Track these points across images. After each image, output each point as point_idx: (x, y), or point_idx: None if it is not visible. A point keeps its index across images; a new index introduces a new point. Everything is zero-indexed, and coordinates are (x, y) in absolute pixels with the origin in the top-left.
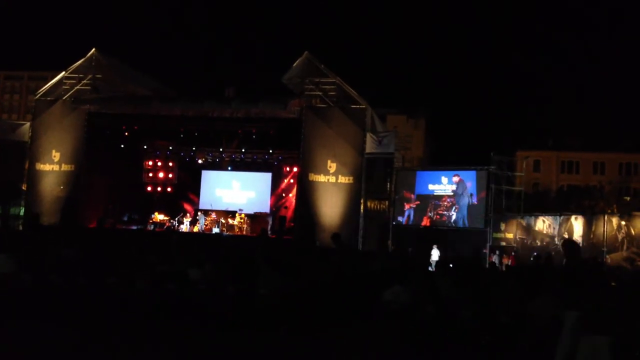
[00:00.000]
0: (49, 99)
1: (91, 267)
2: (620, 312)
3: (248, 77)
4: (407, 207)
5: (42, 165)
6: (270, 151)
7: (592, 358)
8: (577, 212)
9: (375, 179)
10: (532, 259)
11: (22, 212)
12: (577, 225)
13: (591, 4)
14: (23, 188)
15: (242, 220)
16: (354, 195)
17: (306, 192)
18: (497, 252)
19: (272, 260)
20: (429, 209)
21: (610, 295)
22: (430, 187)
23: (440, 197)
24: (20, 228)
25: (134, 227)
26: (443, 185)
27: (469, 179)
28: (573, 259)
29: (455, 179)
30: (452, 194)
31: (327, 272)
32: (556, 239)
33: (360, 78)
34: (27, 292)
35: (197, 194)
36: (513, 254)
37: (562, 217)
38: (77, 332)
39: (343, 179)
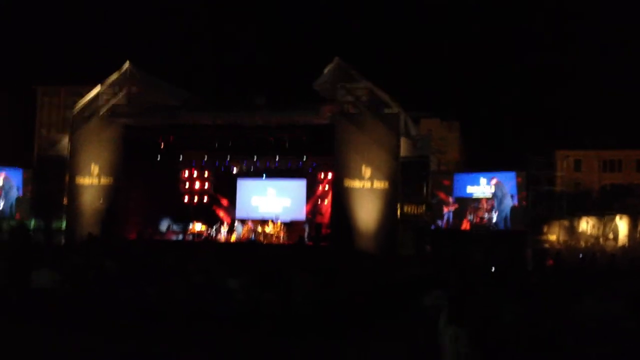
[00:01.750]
0: (85, 114)
1: (131, 278)
2: (477, 306)
3: (279, 84)
4: (445, 210)
5: (81, 179)
6: (304, 158)
7: (453, 347)
8: (621, 211)
9: (411, 183)
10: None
11: (63, 226)
12: (622, 225)
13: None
14: (64, 202)
15: (278, 229)
16: (390, 200)
17: (341, 198)
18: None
19: (308, 267)
20: (468, 212)
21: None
22: (469, 189)
23: (479, 200)
24: (63, 242)
25: (173, 238)
26: (482, 187)
27: (508, 181)
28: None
29: (494, 181)
30: (491, 195)
31: (364, 278)
32: (601, 240)
33: (392, 82)
34: (70, 304)
35: (234, 203)
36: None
37: (606, 217)
38: (118, 343)
39: (378, 184)
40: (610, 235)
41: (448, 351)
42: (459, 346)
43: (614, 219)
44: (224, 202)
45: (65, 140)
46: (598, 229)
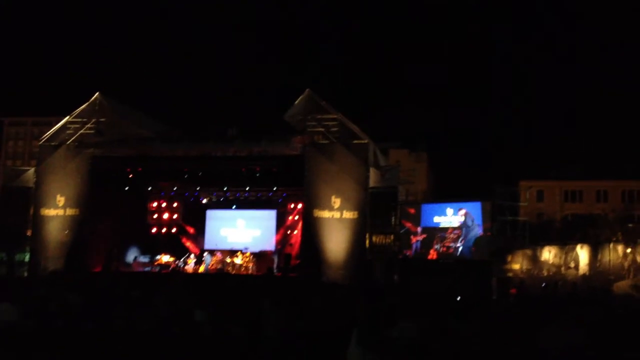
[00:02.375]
0: (53, 144)
1: (96, 311)
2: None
3: (250, 116)
4: (413, 240)
5: (46, 210)
6: (275, 188)
7: None
8: (582, 241)
9: (379, 214)
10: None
11: (27, 259)
12: (583, 254)
13: (585, 32)
14: (28, 234)
15: (247, 259)
16: (359, 230)
17: (311, 228)
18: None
19: (278, 300)
20: (435, 242)
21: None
22: (436, 219)
23: (446, 230)
24: (25, 274)
25: (140, 270)
26: (448, 217)
27: (474, 211)
28: None
29: (462, 212)
30: (457, 225)
31: (334, 310)
32: (562, 269)
33: (361, 113)
34: (30, 339)
35: (203, 234)
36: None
37: (567, 247)
38: None
39: (348, 214)
40: (572, 264)
41: None
42: None
43: (575, 248)
44: (192, 232)
45: (31, 172)
46: (560, 258)
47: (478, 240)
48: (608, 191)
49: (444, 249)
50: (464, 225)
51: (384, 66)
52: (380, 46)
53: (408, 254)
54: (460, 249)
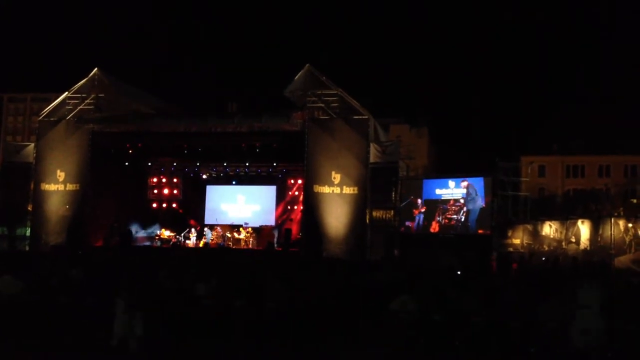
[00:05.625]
0: (52, 119)
1: (97, 286)
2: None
3: (250, 92)
4: (416, 212)
5: (47, 186)
6: (275, 164)
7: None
8: (583, 216)
9: (380, 189)
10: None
11: (27, 233)
12: (584, 229)
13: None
14: (29, 209)
15: (248, 234)
16: (359, 206)
17: (311, 203)
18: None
19: (279, 273)
20: (437, 214)
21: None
22: (438, 191)
23: (447, 202)
24: (27, 249)
25: (141, 245)
26: (450, 189)
27: (476, 186)
28: None
29: (464, 183)
30: (460, 197)
31: (333, 284)
32: (563, 244)
33: (361, 88)
34: (33, 312)
35: (203, 209)
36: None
37: (568, 222)
38: (84, 352)
39: (348, 190)
40: (573, 239)
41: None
42: (134, 325)
43: (576, 223)
44: (193, 207)
45: (31, 147)
46: (561, 232)
47: (481, 211)
48: (610, 166)
49: (446, 220)
50: (466, 196)
51: (384, 40)
52: (380, 20)
53: (410, 225)
54: (462, 220)
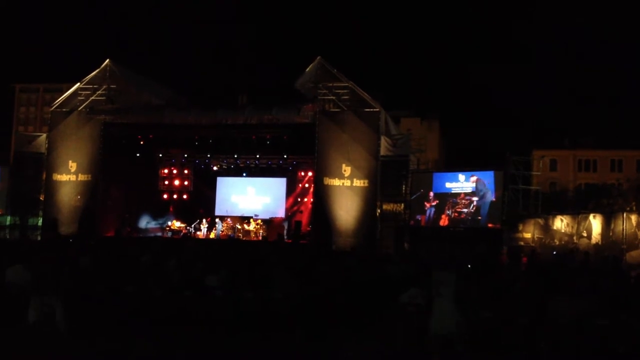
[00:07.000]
0: (64, 110)
1: (108, 275)
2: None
3: (261, 84)
4: (427, 205)
5: (59, 176)
6: (285, 156)
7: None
8: (595, 210)
9: (390, 182)
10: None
11: (40, 223)
12: (596, 224)
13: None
14: (41, 199)
15: (258, 226)
16: (370, 198)
17: (321, 196)
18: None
19: (288, 265)
20: (447, 207)
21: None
22: (448, 185)
23: (457, 195)
24: (39, 238)
25: (151, 235)
26: (460, 182)
27: (486, 180)
28: None
29: (473, 178)
30: (470, 191)
31: (342, 276)
32: (575, 238)
33: (372, 81)
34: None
35: (213, 201)
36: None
37: (580, 216)
38: (93, 340)
39: (358, 183)
40: (584, 234)
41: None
42: (58, 314)
43: (587, 217)
44: (204, 199)
45: (43, 138)
46: (572, 227)
47: (491, 205)
48: (622, 161)
49: (456, 214)
50: (477, 191)
51: (396, 33)
52: (392, 13)
53: (420, 218)
54: (472, 213)
